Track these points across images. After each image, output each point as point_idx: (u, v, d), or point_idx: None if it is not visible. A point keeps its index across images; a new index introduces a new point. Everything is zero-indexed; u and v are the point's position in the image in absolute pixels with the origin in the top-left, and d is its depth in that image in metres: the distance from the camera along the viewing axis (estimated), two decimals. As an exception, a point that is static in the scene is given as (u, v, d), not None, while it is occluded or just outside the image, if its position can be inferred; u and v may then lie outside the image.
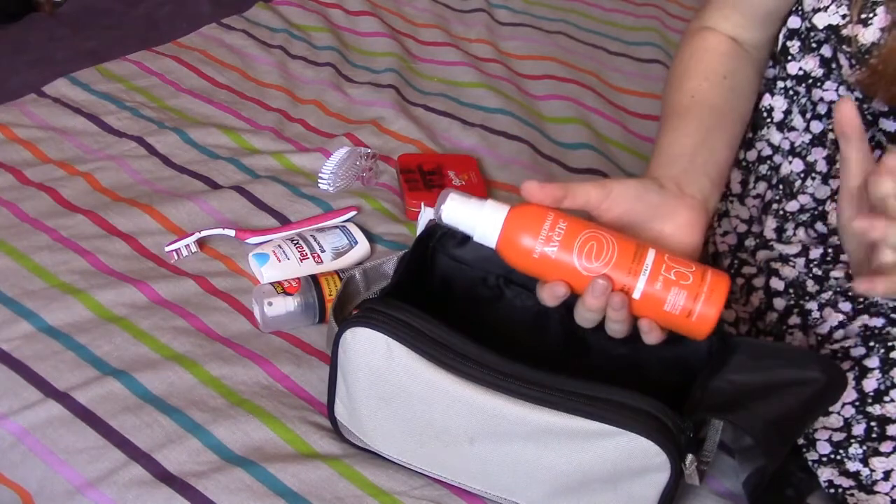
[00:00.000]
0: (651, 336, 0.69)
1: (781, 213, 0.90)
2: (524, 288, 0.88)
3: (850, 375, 0.80)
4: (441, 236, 0.87)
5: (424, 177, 1.19)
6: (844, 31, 0.77)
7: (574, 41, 1.62)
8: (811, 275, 0.87)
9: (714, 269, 0.69)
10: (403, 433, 0.78)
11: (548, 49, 1.57)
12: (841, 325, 0.83)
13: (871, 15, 0.75)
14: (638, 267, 0.67)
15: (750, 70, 0.89)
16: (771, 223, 0.90)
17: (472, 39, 1.58)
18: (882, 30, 0.75)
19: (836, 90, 0.84)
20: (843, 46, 0.78)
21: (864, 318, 0.82)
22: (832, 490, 0.80)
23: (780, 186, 0.91)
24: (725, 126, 0.83)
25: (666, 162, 0.78)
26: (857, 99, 0.81)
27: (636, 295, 0.67)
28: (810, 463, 0.82)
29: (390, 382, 0.75)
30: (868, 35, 0.75)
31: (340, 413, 0.81)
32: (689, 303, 0.67)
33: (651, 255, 0.68)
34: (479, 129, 1.34)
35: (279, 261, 1.02)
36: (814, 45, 0.85)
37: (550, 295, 0.68)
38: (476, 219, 0.69)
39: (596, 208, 0.71)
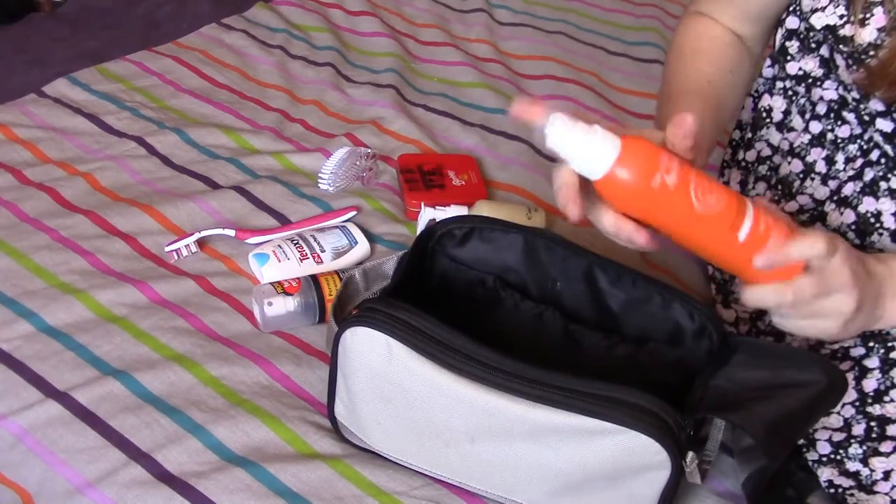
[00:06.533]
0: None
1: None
2: (521, 290, 0.88)
3: (850, 375, 0.80)
4: (440, 237, 0.87)
5: (424, 177, 1.18)
6: (842, 31, 0.77)
7: (574, 41, 1.62)
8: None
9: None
10: (404, 432, 0.77)
11: (548, 49, 1.57)
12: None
13: (868, 15, 0.75)
14: (743, 210, 0.65)
15: (748, 68, 0.91)
16: None
17: (472, 39, 1.58)
18: (879, 29, 0.75)
19: (837, 89, 0.84)
20: (841, 46, 0.78)
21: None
22: (832, 490, 0.80)
23: (780, 187, 0.91)
24: (722, 123, 0.86)
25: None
26: (854, 99, 0.81)
27: (741, 236, 0.65)
28: (810, 463, 0.81)
29: (390, 382, 0.75)
30: (865, 35, 0.75)
31: (340, 413, 0.81)
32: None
33: (749, 202, 0.66)
34: (479, 129, 1.34)
35: (279, 261, 1.02)
36: (813, 45, 0.85)
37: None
38: (582, 146, 0.63)
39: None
